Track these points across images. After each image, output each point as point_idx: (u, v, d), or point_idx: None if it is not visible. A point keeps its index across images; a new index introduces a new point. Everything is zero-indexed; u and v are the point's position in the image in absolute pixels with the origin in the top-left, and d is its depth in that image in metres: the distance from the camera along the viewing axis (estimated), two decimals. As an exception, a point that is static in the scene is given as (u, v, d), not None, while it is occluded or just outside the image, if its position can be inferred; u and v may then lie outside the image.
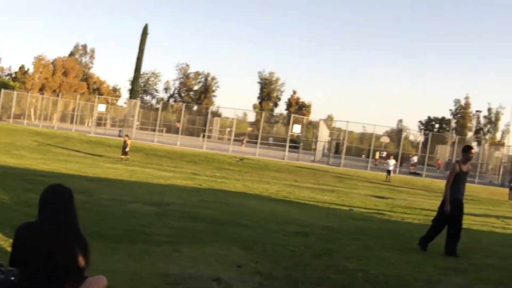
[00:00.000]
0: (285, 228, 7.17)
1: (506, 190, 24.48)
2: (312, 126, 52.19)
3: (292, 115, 37.70)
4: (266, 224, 7.38)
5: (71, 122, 41.37)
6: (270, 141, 43.33)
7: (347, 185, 20.13)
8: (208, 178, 16.48)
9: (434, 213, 12.25)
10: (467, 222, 8.85)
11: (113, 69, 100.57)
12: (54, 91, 53.04)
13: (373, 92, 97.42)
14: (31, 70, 56.46)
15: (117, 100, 62.40)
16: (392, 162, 25.18)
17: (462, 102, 62.88)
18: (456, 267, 5.75)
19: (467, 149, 6.96)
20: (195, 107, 58.35)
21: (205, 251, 4.92)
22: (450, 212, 6.46)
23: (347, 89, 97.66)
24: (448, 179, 6.68)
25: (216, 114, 51.98)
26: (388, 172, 24.49)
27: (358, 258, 5.61)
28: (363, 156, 40.59)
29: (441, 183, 24.37)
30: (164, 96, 68.94)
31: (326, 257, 5.39)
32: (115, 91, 68.14)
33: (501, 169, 35.24)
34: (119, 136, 31.74)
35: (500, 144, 51.55)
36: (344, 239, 6.81)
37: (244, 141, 36.83)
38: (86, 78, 63.64)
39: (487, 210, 14.88)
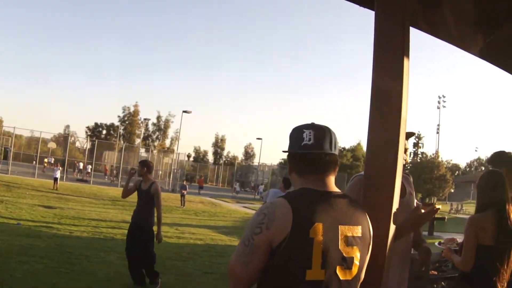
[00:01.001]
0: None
1: (178, 196, 24.74)
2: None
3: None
4: None
5: None
6: None
7: (15, 194, 18.70)
8: None
9: (104, 223, 13.01)
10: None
11: None
12: None
13: (42, 94, 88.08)
14: None
15: None
16: (58, 169, 24.35)
17: (131, 110, 62.52)
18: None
19: (142, 164, 6.00)
20: None
21: None
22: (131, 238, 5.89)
23: (18, 90, 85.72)
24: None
25: None
26: (55, 179, 23.50)
27: (26, 287, 5.25)
28: (34, 162, 38.21)
29: (109, 190, 26.08)
30: None
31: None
32: None
33: (172, 175, 35.99)
34: None
35: (170, 150, 53.02)
36: (12, 263, 6.27)
37: None
38: None
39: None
